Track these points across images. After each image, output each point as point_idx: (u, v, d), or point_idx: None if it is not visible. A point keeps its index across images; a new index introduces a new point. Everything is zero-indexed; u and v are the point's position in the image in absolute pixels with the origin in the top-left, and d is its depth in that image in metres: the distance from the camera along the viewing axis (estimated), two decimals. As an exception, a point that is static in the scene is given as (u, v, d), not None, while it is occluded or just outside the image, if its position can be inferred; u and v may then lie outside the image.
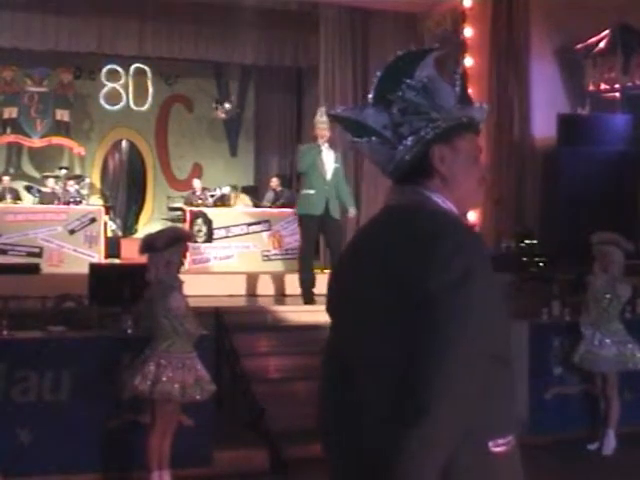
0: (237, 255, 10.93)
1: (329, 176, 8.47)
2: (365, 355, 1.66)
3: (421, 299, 1.56)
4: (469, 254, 1.60)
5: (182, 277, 5.27)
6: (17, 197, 12.54)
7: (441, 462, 1.53)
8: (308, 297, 8.41)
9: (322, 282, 8.51)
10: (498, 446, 1.64)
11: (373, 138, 1.78)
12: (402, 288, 1.59)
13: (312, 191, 8.42)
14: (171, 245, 5.14)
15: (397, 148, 1.75)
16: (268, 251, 11.04)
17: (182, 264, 5.32)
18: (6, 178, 12.89)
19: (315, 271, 8.80)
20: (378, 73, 1.82)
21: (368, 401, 1.63)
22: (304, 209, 8.53)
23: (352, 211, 8.75)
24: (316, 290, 8.49)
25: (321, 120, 8.58)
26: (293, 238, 10.97)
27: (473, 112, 1.83)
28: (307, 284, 8.46)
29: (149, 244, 5.18)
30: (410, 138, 1.74)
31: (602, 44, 10.22)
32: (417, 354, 1.54)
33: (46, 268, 10.13)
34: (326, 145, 8.55)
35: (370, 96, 1.81)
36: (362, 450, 1.62)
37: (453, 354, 1.53)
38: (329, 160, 8.53)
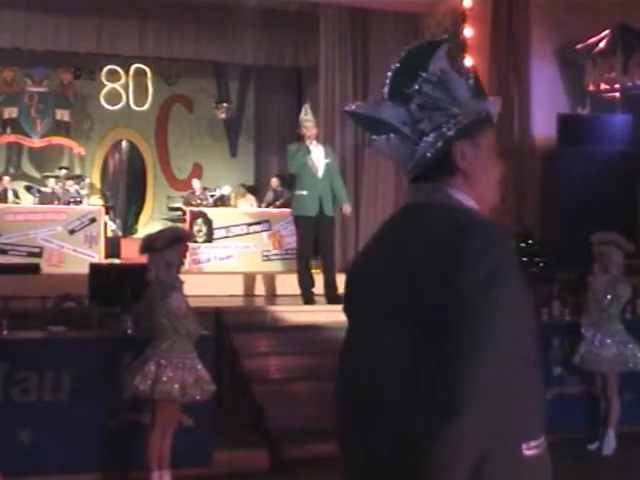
0: (237, 255, 10.93)
1: (320, 174, 8.40)
2: (386, 355, 1.63)
3: (449, 298, 1.53)
4: (497, 252, 1.57)
5: (182, 277, 5.28)
6: (17, 197, 12.54)
7: (470, 463, 1.51)
8: (308, 297, 8.41)
9: (320, 282, 8.52)
10: (531, 449, 1.62)
11: (391, 135, 1.72)
12: (427, 287, 1.56)
13: (305, 192, 8.38)
14: (171, 245, 5.14)
15: (417, 145, 1.70)
16: (268, 251, 11.04)
17: (182, 264, 5.32)
18: (6, 178, 12.90)
19: (314, 271, 8.80)
20: (392, 66, 1.76)
21: (390, 401, 1.61)
22: (299, 210, 8.51)
23: (347, 208, 8.67)
24: (315, 290, 8.50)
25: (306, 118, 8.48)
26: (293, 238, 10.94)
27: (488, 106, 1.78)
28: (306, 284, 8.45)
29: (149, 244, 5.18)
30: (432, 134, 1.69)
31: (602, 44, 10.21)
32: (446, 353, 1.51)
33: (46, 268, 10.14)
34: (314, 143, 8.46)
35: (385, 91, 1.75)
36: (384, 450, 1.60)
37: (483, 353, 1.50)
38: (319, 158, 8.44)
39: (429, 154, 1.70)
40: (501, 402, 1.54)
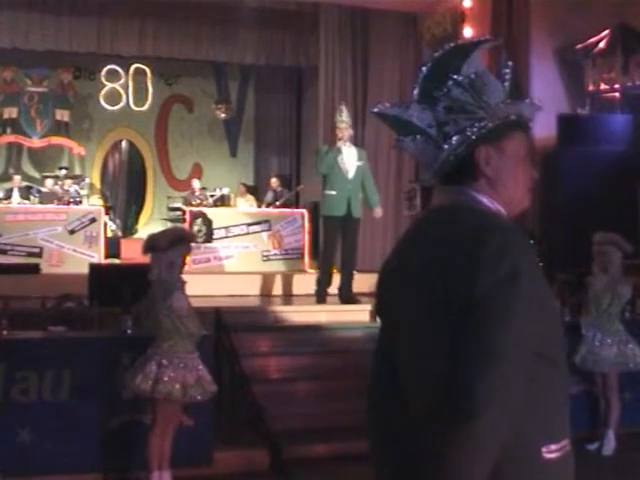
0: (237, 255, 10.93)
1: (351, 175, 8.37)
2: (413, 356, 1.64)
3: (467, 301, 1.53)
4: (515, 255, 1.56)
5: (182, 277, 5.27)
6: (26, 197, 12.58)
7: (490, 463, 1.51)
8: (321, 297, 8.39)
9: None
10: (551, 452, 1.60)
11: (418, 136, 1.72)
12: (448, 289, 1.57)
13: (333, 192, 8.36)
14: (174, 245, 5.13)
15: (442, 147, 1.70)
16: (268, 251, 11.03)
17: (184, 264, 5.32)
18: (17, 177, 12.96)
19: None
20: (423, 69, 1.75)
21: (416, 401, 1.62)
22: (327, 210, 8.50)
23: (378, 211, 8.65)
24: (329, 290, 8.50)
25: (340, 119, 8.46)
26: (293, 238, 10.98)
27: (523, 108, 1.76)
28: (324, 284, 8.44)
29: (152, 244, 5.18)
30: (455, 138, 1.68)
31: (602, 44, 10.21)
32: (465, 355, 1.52)
33: (46, 268, 10.13)
34: (347, 144, 8.43)
35: (415, 93, 1.74)
36: (410, 450, 1.60)
37: (500, 354, 1.50)
38: (351, 159, 8.40)
39: (452, 157, 1.70)
40: (521, 404, 1.53)
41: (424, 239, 1.70)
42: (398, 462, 1.65)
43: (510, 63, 1.80)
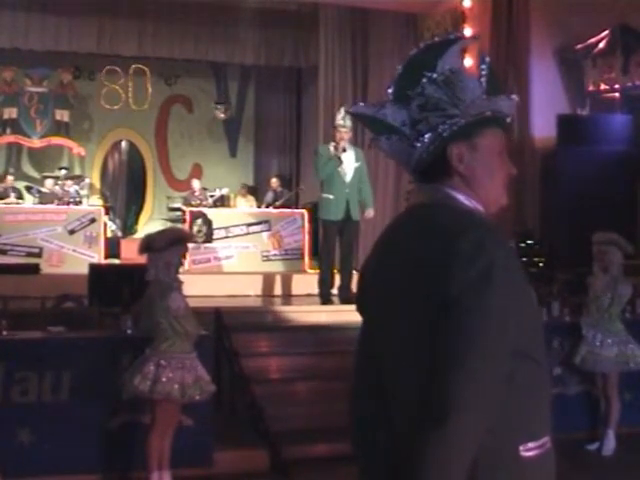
0: (237, 255, 10.93)
1: (349, 178, 8.34)
2: (392, 355, 1.64)
3: (443, 300, 1.53)
4: (490, 253, 1.55)
5: (182, 277, 5.27)
6: (20, 196, 12.57)
7: (468, 462, 1.51)
8: (326, 298, 8.40)
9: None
10: (529, 450, 1.59)
11: (393, 135, 1.72)
12: (425, 288, 1.57)
13: (332, 196, 8.33)
14: (171, 245, 5.13)
15: (415, 146, 1.69)
16: (268, 251, 11.03)
17: (182, 265, 5.31)
18: (10, 177, 12.95)
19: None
20: (399, 67, 1.75)
21: (396, 401, 1.62)
22: (324, 214, 8.49)
23: (370, 212, 8.60)
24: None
25: (341, 124, 8.36)
26: (293, 238, 10.97)
27: (500, 104, 1.75)
28: (327, 285, 8.45)
29: (148, 244, 5.18)
30: (427, 136, 1.68)
31: (602, 44, 10.22)
32: (441, 355, 1.51)
33: (46, 268, 10.13)
34: (347, 146, 8.37)
35: (390, 91, 1.74)
36: (392, 450, 1.60)
37: (476, 354, 1.50)
38: (349, 162, 8.36)
39: (425, 155, 1.70)
40: (497, 402, 1.53)
41: (402, 238, 1.70)
42: (381, 462, 1.65)
43: (487, 59, 1.78)
